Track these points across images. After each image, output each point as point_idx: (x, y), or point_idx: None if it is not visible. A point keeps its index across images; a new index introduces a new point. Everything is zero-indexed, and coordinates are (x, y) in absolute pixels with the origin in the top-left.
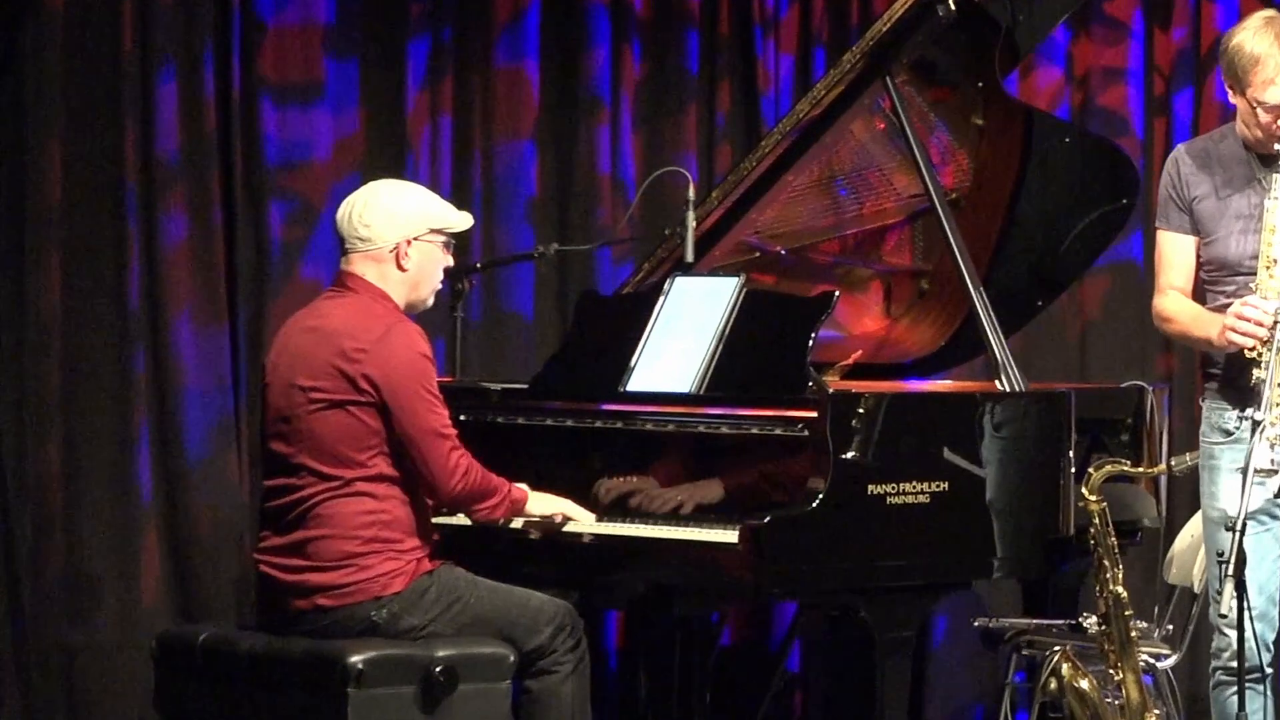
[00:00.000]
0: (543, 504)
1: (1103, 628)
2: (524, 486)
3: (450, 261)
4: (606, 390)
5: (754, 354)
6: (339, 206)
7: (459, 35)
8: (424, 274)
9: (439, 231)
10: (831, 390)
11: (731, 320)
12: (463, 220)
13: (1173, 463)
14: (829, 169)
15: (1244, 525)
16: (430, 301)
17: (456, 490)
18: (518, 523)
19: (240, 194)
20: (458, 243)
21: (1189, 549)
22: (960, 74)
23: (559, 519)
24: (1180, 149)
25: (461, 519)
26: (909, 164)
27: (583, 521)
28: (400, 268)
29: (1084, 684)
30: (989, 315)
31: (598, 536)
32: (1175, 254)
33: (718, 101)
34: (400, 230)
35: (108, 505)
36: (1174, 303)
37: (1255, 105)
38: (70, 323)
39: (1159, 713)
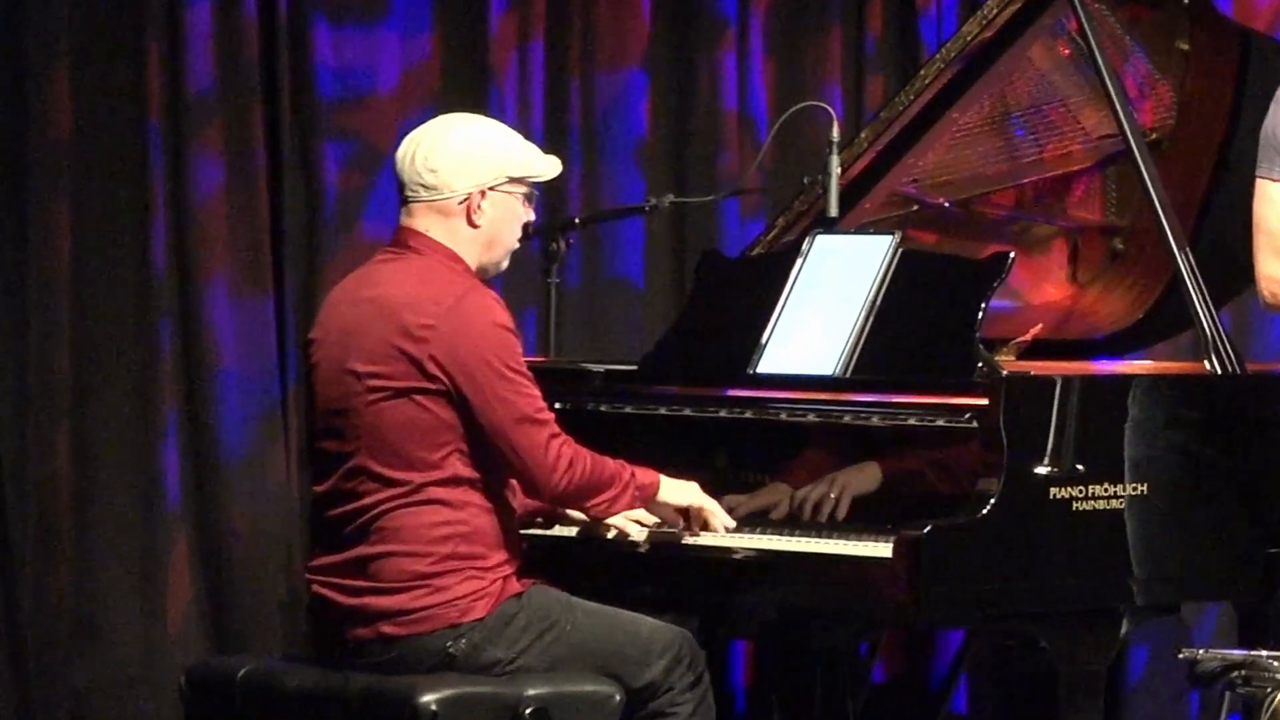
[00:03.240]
0: (679, 492)
1: None
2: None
3: (531, 216)
4: (732, 372)
5: (911, 328)
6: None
7: None
8: (499, 232)
9: (520, 181)
10: (1006, 372)
11: (884, 287)
12: (550, 167)
13: None
14: (1002, 104)
15: None
16: (505, 264)
17: (562, 487)
18: (633, 532)
19: (288, 134)
20: (551, 194)
21: None
22: None
23: (702, 520)
24: None
25: (554, 530)
26: (1099, 98)
27: (719, 530)
28: (472, 223)
29: None
30: (1196, 282)
31: (714, 549)
32: None
33: (867, 22)
34: (473, 178)
35: (126, 512)
36: None
37: None
38: (82, 291)
39: None
